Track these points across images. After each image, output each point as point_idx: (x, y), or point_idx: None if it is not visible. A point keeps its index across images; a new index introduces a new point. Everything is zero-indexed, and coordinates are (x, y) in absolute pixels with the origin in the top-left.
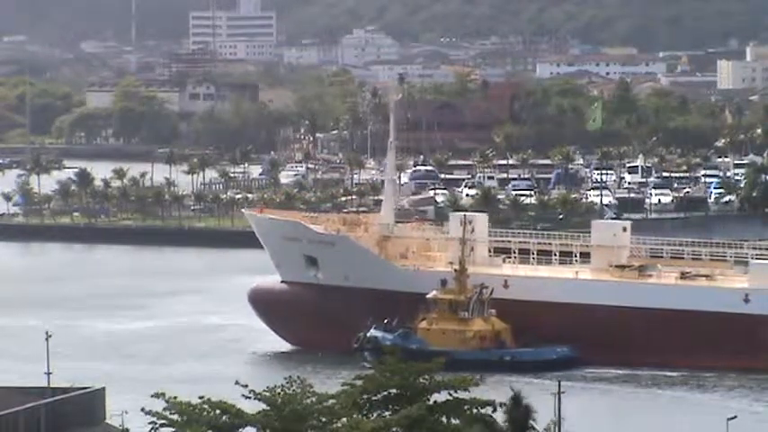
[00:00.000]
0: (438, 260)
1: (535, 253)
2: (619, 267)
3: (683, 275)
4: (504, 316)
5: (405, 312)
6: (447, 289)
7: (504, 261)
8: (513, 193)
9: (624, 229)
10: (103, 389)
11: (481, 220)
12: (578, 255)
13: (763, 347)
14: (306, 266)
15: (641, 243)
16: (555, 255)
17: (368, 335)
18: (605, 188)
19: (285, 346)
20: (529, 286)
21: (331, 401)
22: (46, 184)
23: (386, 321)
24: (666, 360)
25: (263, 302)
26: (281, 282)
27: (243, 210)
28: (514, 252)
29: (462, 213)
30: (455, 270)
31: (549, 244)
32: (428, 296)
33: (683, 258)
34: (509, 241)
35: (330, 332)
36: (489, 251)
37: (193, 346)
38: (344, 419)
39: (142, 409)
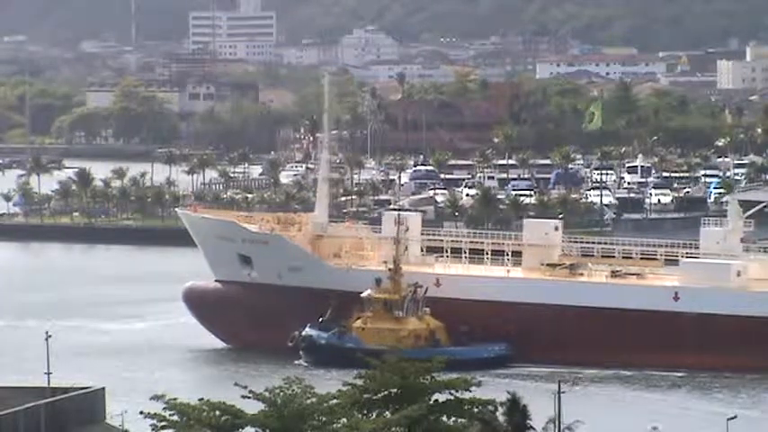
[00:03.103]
0: (371, 259)
1: (467, 252)
2: (550, 266)
3: (614, 274)
4: (437, 314)
5: (337, 311)
6: (382, 288)
7: (436, 260)
8: (513, 193)
9: (556, 228)
10: (103, 389)
11: (414, 219)
12: (510, 253)
13: (693, 345)
14: (240, 265)
15: (572, 241)
16: (487, 253)
17: (303, 333)
18: (605, 188)
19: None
20: (460, 285)
21: (332, 401)
22: (46, 184)
23: (321, 320)
24: (599, 358)
25: (198, 302)
26: (216, 281)
27: (176, 209)
28: (446, 251)
29: (396, 213)
30: (389, 269)
31: (482, 243)
32: (363, 295)
33: (613, 257)
34: (441, 240)
35: (264, 331)
36: (422, 250)
37: (192, 347)
38: (344, 419)
39: (141, 412)
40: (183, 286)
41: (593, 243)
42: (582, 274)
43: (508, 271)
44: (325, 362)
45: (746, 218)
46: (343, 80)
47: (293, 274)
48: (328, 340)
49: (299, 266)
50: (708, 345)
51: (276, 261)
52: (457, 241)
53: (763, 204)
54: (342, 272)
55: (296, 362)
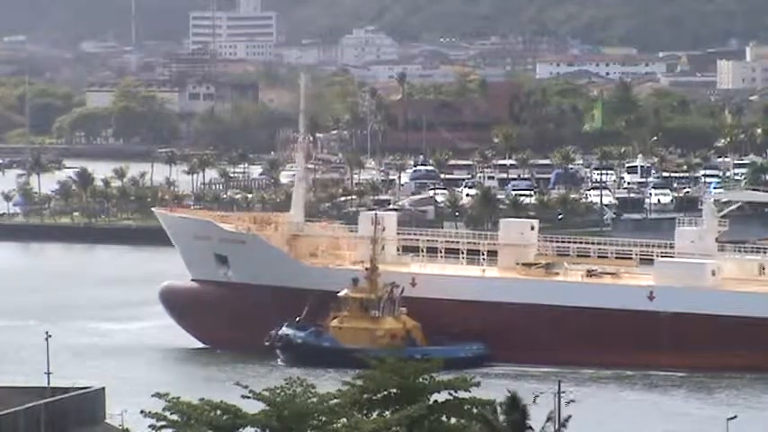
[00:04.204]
0: (347, 259)
1: (443, 251)
2: (526, 265)
3: (590, 273)
4: (414, 314)
5: (314, 310)
6: (358, 287)
7: (412, 259)
8: (513, 193)
9: (531, 228)
10: (103, 389)
11: (390, 219)
12: (486, 253)
13: (668, 344)
14: (216, 265)
15: (548, 241)
16: (462, 253)
17: (279, 333)
18: (605, 188)
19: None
20: (436, 284)
21: (332, 401)
22: (46, 184)
23: (297, 319)
24: (574, 357)
25: (175, 301)
26: (192, 280)
27: (153, 209)
28: (422, 250)
29: (373, 213)
30: (366, 269)
31: (457, 242)
32: (340, 294)
33: (589, 256)
34: (417, 240)
35: (241, 330)
36: (398, 249)
37: (190, 346)
38: (344, 419)
39: (142, 411)
40: (160, 286)
41: (569, 243)
42: (557, 274)
43: (484, 270)
44: (301, 361)
45: (721, 217)
46: (343, 80)
47: (270, 274)
48: (305, 339)
49: (275, 266)
50: (683, 344)
51: (253, 261)
52: (432, 241)
53: (738, 204)
54: (318, 271)
55: (270, 363)
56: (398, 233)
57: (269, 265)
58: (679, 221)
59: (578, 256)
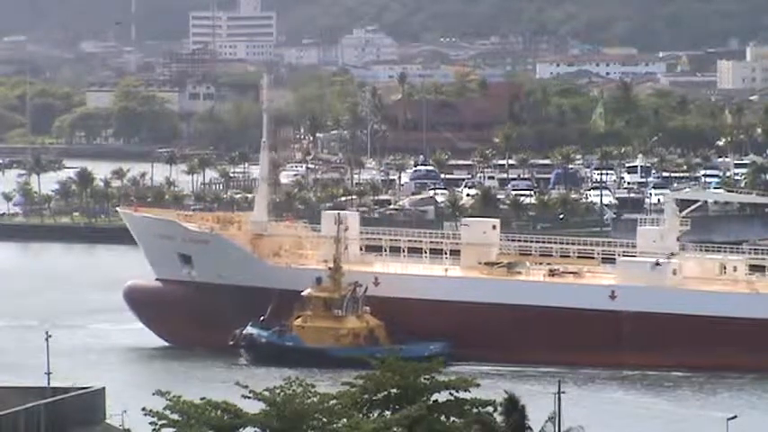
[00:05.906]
0: (311, 258)
1: (406, 250)
2: (488, 264)
3: (552, 272)
4: (377, 313)
5: (278, 309)
6: (322, 286)
7: (375, 258)
8: (513, 193)
9: (494, 227)
10: (103, 389)
11: (353, 218)
12: (448, 252)
13: (629, 343)
14: (180, 264)
15: (510, 240)
16: (425, 252)
17: (243, 332)
18: (605, 188)
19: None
20: (399, 283)
21: (332, 402)
22: (46, 184)
23: (261, 318)
24: (536, 356)
25: (138, 300)
26: (156, 279)
27: (117, 208)
28: (385, 249)
29: (336, 212)
30: (330, 268)
31: (420, 241)
32: (303, 293)
33: (551, 256)
34: (380, 239)
35: (205, 329)
36: (361, 249)
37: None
38: (345, 419)
39: (143, 409)
40: (124, 285)
41: (531, 242)
42: (520, 273)
43: (446, 270)
44: (265, 360)
45: (683, 217)
46: (343, 80)
47: (233, 273)
48: (268, 339)
49: (239, 265)
50: (644, 343)
51: (216, 260)
52: (396, 240)
53: (699, 204)
54: (282, 270)
55: (235, 362)
56: (361, 232)
57: (233, 265)
58: (641, 221)
59: (541, 255)
